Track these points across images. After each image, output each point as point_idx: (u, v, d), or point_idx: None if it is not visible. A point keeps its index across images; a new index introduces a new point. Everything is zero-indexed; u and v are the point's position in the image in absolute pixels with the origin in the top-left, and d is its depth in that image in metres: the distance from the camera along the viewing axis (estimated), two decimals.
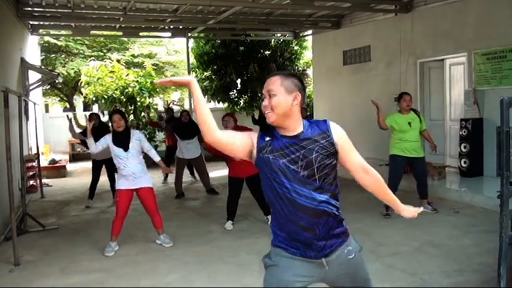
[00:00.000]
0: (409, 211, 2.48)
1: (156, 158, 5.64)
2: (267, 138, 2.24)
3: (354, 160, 2.34)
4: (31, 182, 9.42)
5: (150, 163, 5.82)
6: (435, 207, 6.62)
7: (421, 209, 2.52)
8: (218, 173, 10.57)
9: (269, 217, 6.29)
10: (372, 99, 6.67)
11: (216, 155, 6.67)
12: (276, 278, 2.27)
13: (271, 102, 2.20)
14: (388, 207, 6.42)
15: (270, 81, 2.24)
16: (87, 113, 18.15)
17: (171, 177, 10.02)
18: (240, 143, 2.25)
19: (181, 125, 8.61)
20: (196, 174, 10.15)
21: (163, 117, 10.24)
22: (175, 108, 15.98)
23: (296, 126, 2.24)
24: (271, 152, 2.20)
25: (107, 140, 5.33)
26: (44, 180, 9.93)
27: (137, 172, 5.30)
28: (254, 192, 6.30)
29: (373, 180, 2.39)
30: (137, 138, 5.37)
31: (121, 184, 5.34)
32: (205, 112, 2.16)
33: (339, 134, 2.29)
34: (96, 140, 7.77)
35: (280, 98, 2.19)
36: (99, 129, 7.97)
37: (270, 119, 2.21)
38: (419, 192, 6.69)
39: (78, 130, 8.27)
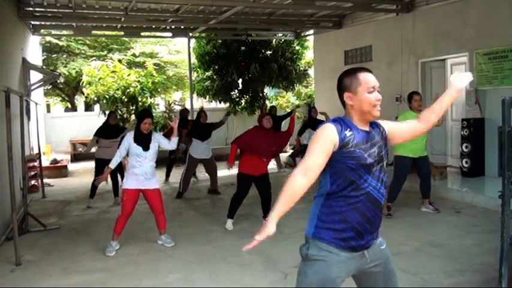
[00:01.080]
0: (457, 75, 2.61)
1: (172, 144, 5.64)
2: (348, 133, 2.28)
3: (405, 124, 2.63)
4: (32, 182, 9.43)
5: None
6: (436, 207, 6.61)
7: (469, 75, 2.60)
8: (221, 172, 10.56)
9: None
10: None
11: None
12: (321, 273, 2.31)
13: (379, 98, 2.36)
14: (389, 208, 6.41)
15: (374, 77, 2.37)
16: (87, 113, 18.23)
17: (172, 178, 10.04)
18: (328, 156, 2.27)
19: (201, 127, 8.59)
20: (197, 174, 10.17)
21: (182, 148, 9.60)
22: (177, 108, 15.98)
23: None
24: (356, 145, 2.27)
25: (128, 138, 5.36)
26: (46, 180, 9.93)
27: (148, 173, 5.38)
28: (262, 191, 6.27)
29: (426, 120, 2.59)
30: (156, 139, 5.47)
31: (130, 183, 5.36)
32: (295, 201, 2.22)
33: (386, 125, 2.51)
34: (106, 137, 7.88)
35: None
36: (115, 129, 8.04)
37: (379, 112, 2.34)
38: (422, 192, 6.68)
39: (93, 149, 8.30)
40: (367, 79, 2.34)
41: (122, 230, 5.40)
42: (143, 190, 5.41)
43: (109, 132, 7.94)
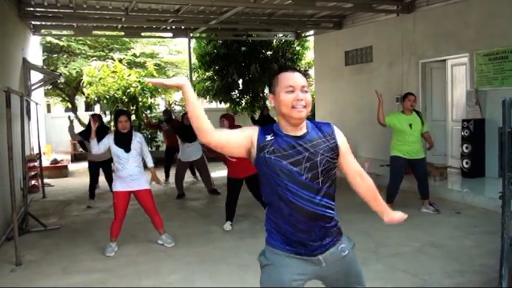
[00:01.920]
0: (395, 218, 2.46)
1: (150, 164, 5.59)
2: (269, 137, 2.18)
3: (352, 164, 2.36)
4: (33, 182, 9.43)
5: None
6: (437, 207, 6.61)
7: (406, 216, 2.48)
8: (220, 173, 10.57)
9: None
10: (376, 89, 6.71)
11: (215, 156, 6.65)
12: (273, 278, 2.25)
13: (306, 98, 2.16)
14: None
15: (298, 76, 2.19)
16: (89, 113, 18.25)
17: (172, 178, 10.03)
18: (236, 144, 2.20)
19: (184, 128, 8.57)
20: (197, 174, 10.17)
21: (162, 121, 10.10)
22: (177, 108, 15.99)
23: (303, 126, 2.22)
24: (273, 152, 2.15)
25: (110, 140, 5.32)
26: (46, 180, 9.95)
27: (134, 174, 5.29)
28: (254, 192, 6.29)
29: (367, 185, 2.40)
30: (139, 140, 5.38)
31: (118, 186, 5.32)
32: (200, 115, 2.11)
33: (341, 139, 2.31)
34: (98, 140, 7.81)
35: (310, 96, 2.21)
36: (99, 130, 7.99)
37: (302, 114, 2.14)
38: (421, 193, 6.69)
39: (77, 131, 8.22)
40: (286, 78, 2.18)
41: (119, 233, 5.39)
42: (133, 191, 5.37)
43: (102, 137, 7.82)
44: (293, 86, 2.16)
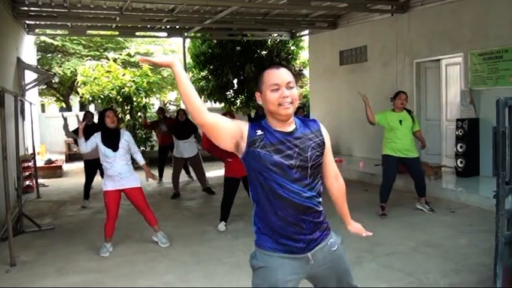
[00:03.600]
0: (355, 227, 2.59)
1: (141, 162, 5.58)
2: (259, 132, 2.17)
3: (331, 164, 2.43)
4: (27, 182, 9.40)
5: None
6: (431, 207, 6.62)
7: (370, 233, 2.58)
8: (215, 172, 10.57)
9: None
10: (359, 91, 6.74)
11: (215, 155, 6.60)
12: (268, 280, 2.23)
13: (292, 94, 2.16)
14: (383, 208, 6.43)
15: (283, 72, 2.17)
16: (82, 113, 18.22)
17: (167, 177, 10.01)
18: (228, 130, 2.15)
19: (178, 124, 8.60)
20: (192, 174, 10.16)
21: (162, 121, 9.99)
22: (172, 108, 15.98)
23: (292, 122, 2.24)
24: (263, 147, 2.15)
25: (97, 139, 5.26)
26: (40, 181, 9.91)
27: (123, 172, 5.25)
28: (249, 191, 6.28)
29: (341, 187, 2.49)
30: (126, 139, 5.33)
31: (107, 185, 5.27)
32: (192, 92, 2.06)
33: (327, 136, 2.34)
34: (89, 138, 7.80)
35: (296, 91, 2.20)
36: (93, 128, 7.97)
37: (289, 111, 2.14)
38: (418, 191, 6.66)
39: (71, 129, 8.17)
40: (271, 76, 2.16)
41: (113, 232, 5.36)
42: (123, 190, 5.32)
43: (89, 133, 7.81)
44: (278, 84, 2.14)
